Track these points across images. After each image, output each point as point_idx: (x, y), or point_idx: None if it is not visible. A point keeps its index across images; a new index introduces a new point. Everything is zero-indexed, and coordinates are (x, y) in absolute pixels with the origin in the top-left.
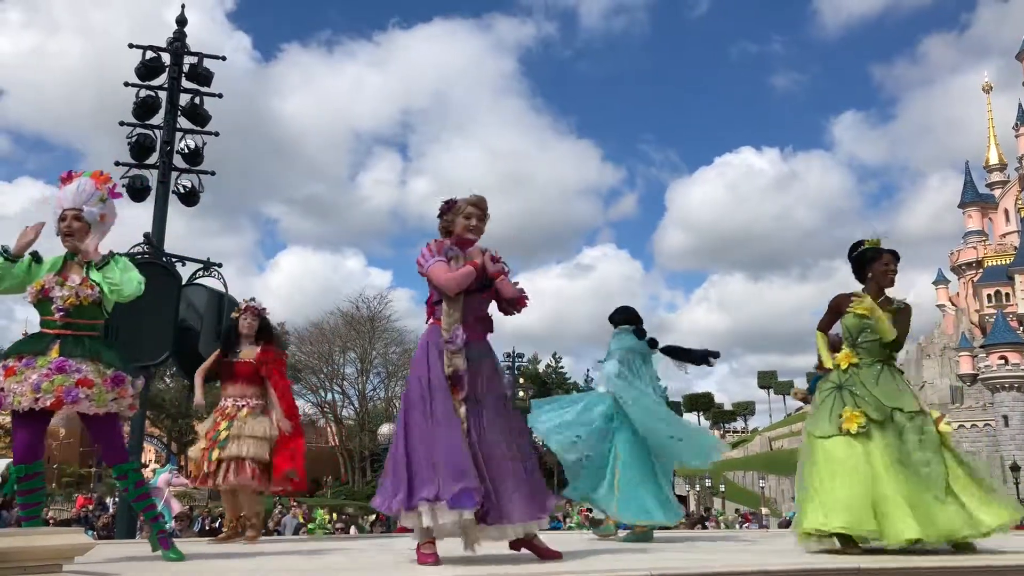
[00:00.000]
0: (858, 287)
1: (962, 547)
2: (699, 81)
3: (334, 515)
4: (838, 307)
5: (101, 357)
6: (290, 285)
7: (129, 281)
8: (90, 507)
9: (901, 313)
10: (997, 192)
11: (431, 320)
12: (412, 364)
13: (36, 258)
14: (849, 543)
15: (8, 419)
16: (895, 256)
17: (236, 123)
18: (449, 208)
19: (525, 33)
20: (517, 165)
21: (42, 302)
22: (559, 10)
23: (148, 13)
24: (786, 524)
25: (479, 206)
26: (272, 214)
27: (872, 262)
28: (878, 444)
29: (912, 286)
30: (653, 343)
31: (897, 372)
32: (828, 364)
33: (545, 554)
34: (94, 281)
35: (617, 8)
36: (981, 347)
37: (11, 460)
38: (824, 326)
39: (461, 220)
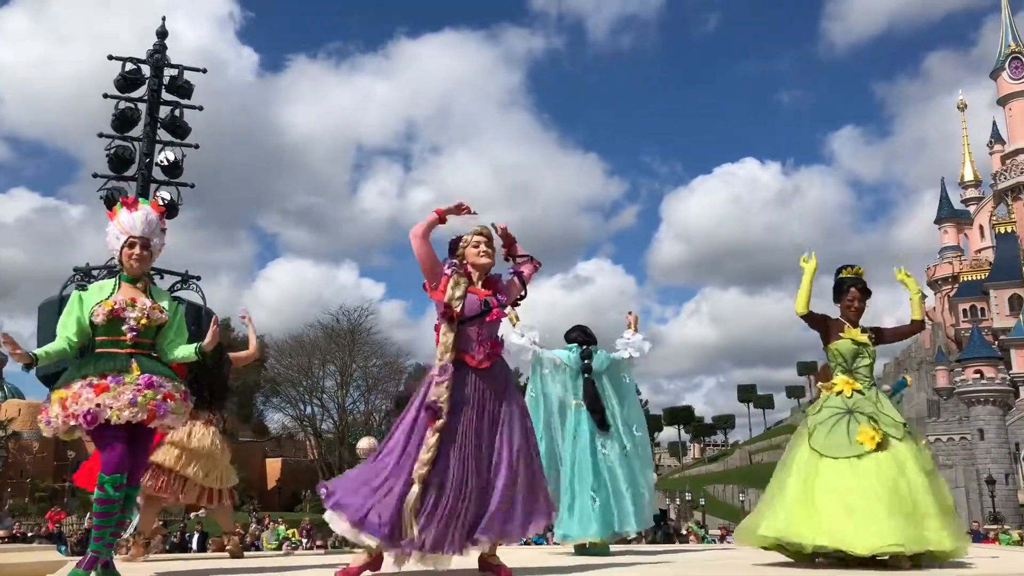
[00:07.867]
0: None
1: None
2: (705, 96)
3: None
4: (829, 329)
5: (170, 374)
6: (281, 296)
7: (185, 356)
8: (62, 521)
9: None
10: (972, 208)
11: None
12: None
13: (81, 287)
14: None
15: None
16: (864, 293)
17: (240, 136)
18: (456, 244)
19: (534, 44)
20: (522, 178)
21: (112, 321)
22: (568, 23)
23: (152, 24)
24: None
25: (482, 233)
26: (271, 226)
27: (843, 293)
28: (904, 455)
29: (900, 303)
30: (587, 368)
31: (884, 394)
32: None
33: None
34: (163, 307)
35: (626, 23)
36: (957, 361)
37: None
38: (817, 318)
39: (471, 250)
